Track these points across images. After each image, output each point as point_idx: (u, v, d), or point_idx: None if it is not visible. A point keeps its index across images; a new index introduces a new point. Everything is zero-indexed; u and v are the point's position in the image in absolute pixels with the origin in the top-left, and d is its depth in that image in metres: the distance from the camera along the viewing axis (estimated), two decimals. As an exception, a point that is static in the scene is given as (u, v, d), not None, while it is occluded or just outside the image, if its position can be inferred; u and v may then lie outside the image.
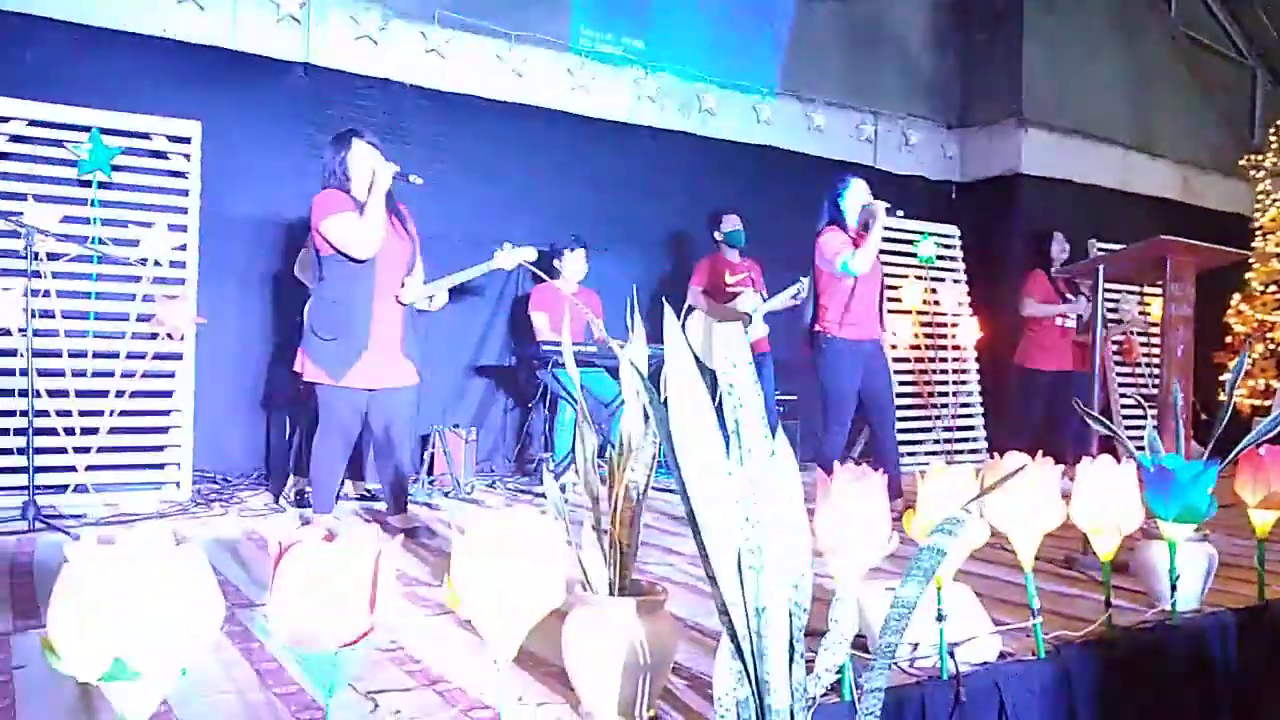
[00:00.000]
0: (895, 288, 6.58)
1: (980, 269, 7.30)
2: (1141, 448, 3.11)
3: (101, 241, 4.41)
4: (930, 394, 6.85)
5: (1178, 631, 2.43)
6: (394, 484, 3.75)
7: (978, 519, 1.91)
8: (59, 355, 4.27)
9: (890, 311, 5.33)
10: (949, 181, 7.94)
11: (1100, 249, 5.69)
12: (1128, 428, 5.89)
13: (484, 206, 5.52)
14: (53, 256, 4.29)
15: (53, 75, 4.50)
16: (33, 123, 4.34)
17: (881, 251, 4.68)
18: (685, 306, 5.45)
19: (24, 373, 3.89)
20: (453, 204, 5.24)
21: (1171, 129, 8.66)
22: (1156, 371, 3.97)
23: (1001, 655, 2.15)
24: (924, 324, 6.90)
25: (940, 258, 7.09)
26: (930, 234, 7.00)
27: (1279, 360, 7.60)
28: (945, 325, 7.01)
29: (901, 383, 6.48)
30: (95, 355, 4.37)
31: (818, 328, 4.43)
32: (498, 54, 5.82)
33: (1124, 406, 5.83)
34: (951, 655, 1.97)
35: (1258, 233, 7.85)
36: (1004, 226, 7.42)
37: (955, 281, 7.21)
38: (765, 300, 5.43)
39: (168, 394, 4.53)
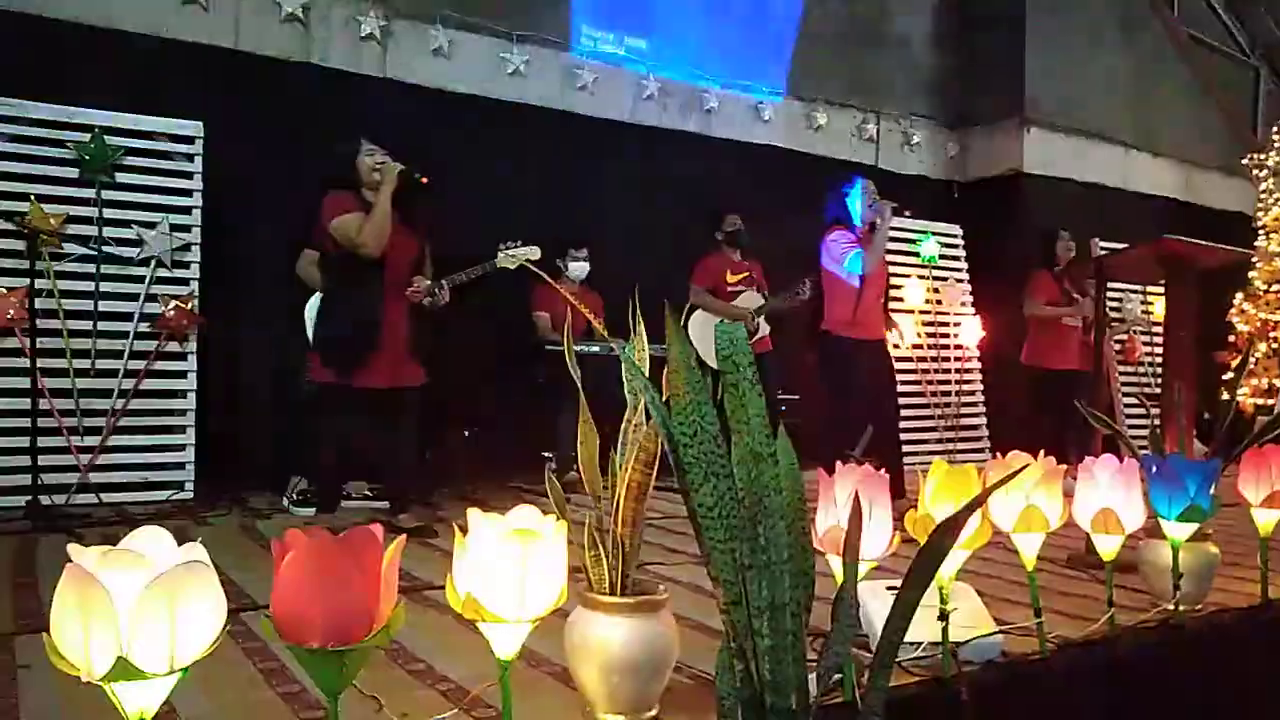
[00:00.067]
0: (898, 287, 6.57)
1: (982, 268, 7.29)
2: (1144, 447, 3.11)
3: (105, 242, 4.42)
4: (933, 393, 6.85)
5: (1180, 631, 2.43)
6: (397, 483, 3.76)
7: (980, 518, 1.91)
8: (63, 355, 4.27)
9: (893, 311, 5.34)
10: (951, 181, 7.93)
11: (1103, 248, 5.68)
12: (1130, 427, 5.90)
13: (486, 206, 5.51)
14: (56, 257, 4.30)
15: (56, 75, 4.51)
16: (36, 123, 4.35)
17: (885, 251, 4.68)
18: (687, 306, 5.45)
19: (28, 372, 3.90)
20: (454, 204, 5.23)
21: (1174, 128, 8.65)
22: (1159, 371, 3.97)
23: (1004, 655, 2.14)
24: (926, 323, 6.90)
25: (943, 257, 7.09)
26: (932, 233, 7.00)
27: (1282, 359, 7.59)
28: (948, 325, 7.00)
29: (904, 382, 6.47)
30: (99, 355, 4.38)
31: (823, 327, 4.43)
32: (500, 54, 5.82)
33: (1127, 406, 5.82)
34: (954, 655, 1.96)
35: (1260, 232, 7.83)
36: (1006, 226, 7.42)
37: (958, 281, 7.20)
38: (766, 300, 5.43)
39: (171, 394, 4.54)
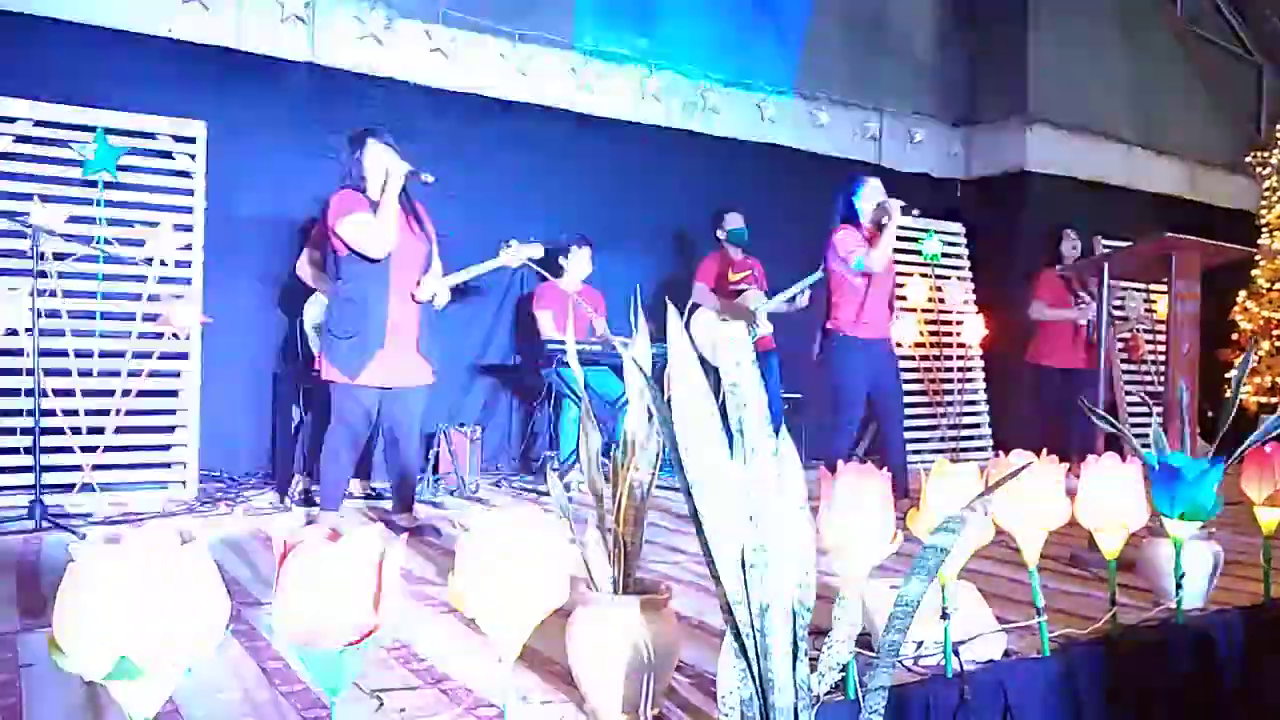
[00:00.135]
0: (900, 285, 6.57)
1: (986, 266, 7.29)
2: (1147, 445, 3.10)
3: (107, 241, 4.42)
4: (936, 392, 6.84)
5: (1183, 630, 2.43)
6: (400, 483, 3.77)
7: (982, 517, 1.90)
8: (65, 355, 4.28)
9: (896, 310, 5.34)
10: (954, 179, 7.92)
11: (1106, 246, 5.67)
12: (1133, 425, 5.89)
13: (488, 205, 5.52)
14: (59, 256, 4.30)
15: (58, 75, 4.52)
16: (38, 123, 4.36)
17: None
18: (689, 304, 5.45)
19: (30, 372, 3.90)
20: (457, 202, 5.24)
21: (1177, 126, 8.63)
22: (1162, 369, 3.96)
23: (1006, 653, 2.14)
24: (929, 322, 6.90)
25: (945, 255, 7.08)
26: (935, 231, 6.99)
27: (1285, 358, 7.57)
28: (950, 323, 7.00)
29: (907, 381, 6.47)
30: (101, 355, 4.38)
31: (829, 326, 4.43)
32: (502, 53, 5.82)
33: (1130, 404, 5.81)
34: (956, 653, 1.96)
35: (1264, 229, 7.82)
36: (1009, 224, 7.40)
37: (960, 279, 7.20)
38: (769, 299, 5.43)
39: (173, 393, 4.55)
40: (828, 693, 1.29)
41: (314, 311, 4.56)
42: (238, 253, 4.93)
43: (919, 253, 6.91)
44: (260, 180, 4.99)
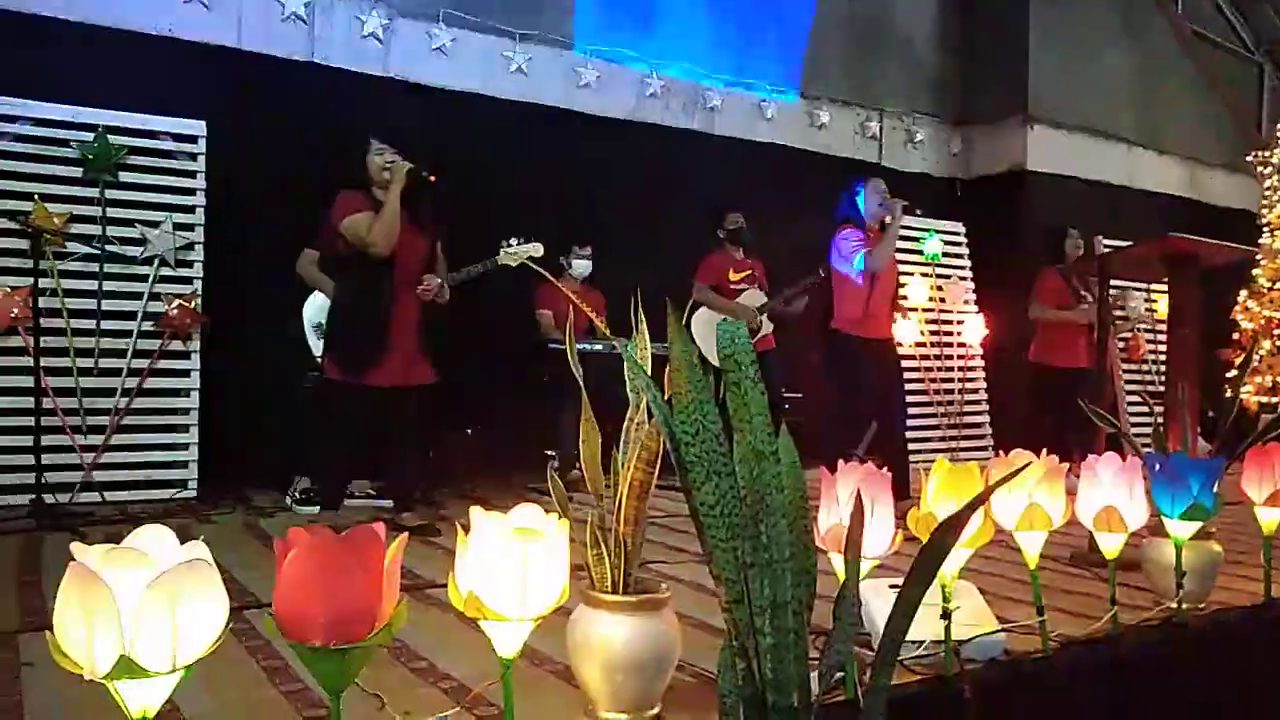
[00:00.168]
0: (901, 285, 6.57)
1: (986, 266, 7.28)
2: (1148, 445, 3.10)
3: (109, 241, 4.43)
4: (936, 391, 6.84)
5: (1183, 629, 2.43)
6: (401, 482, 3.77)
7: (983, 516, 1.90)
8: (67, 354, 4.28)
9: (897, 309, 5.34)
10: (954, 179, 7.92)
11: (1106, 246, 5.67)
12: (1134, 425, 5.89)
13: (488, 205, 5.51)
14: (60, 256, 4.31)
15: (59, 75, 4.52)
16: (40, 122, 4.36)
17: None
18: (689, 304, 5.45)
19: (32, 371, 3.91)
20: (457, 203, 5.23)
21: (1178, 125, 8.63)
22: (1163, 369, 3.96)
23: (1006, 653, 2.14)
24: (930, 321, 6.89)
25: (946, 255, 7.08)
26: (936, 231, 6.99)
27: (1286, 357, 7.57)
28: (951, 323, 7.00)
29: (907, 381, 6.47)
30: (102, 354, 4.39)
31: (833, 326, 4.42)
32: (503, 52, 5.82)
33: (1130, 404, 5.81)
34: (956, 653, 1.96)
35: (1265, 229, 7.81)
36: (1010, 224, 7.40)
37: (961, 279, 7.19)
38: (769, 299, 5.43)
39: (174, 392, 4.55)
40: (828, 693, 1.29)
41: (313, 311, 4.56)
42: (238, 252, 4.93)
43: (920, 252, 6.91)
44: (260, 180, 4.99)
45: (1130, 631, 2.35)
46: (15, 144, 4.32)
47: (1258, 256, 7.58)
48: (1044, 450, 2.15)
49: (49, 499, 3.79)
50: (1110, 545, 2.30)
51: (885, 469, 1.81)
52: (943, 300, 7.00)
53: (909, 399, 6.38)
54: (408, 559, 3.14)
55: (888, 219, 4.32)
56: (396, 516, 3.74)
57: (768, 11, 6.90)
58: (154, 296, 4.50)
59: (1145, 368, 6.99)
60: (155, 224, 4.52)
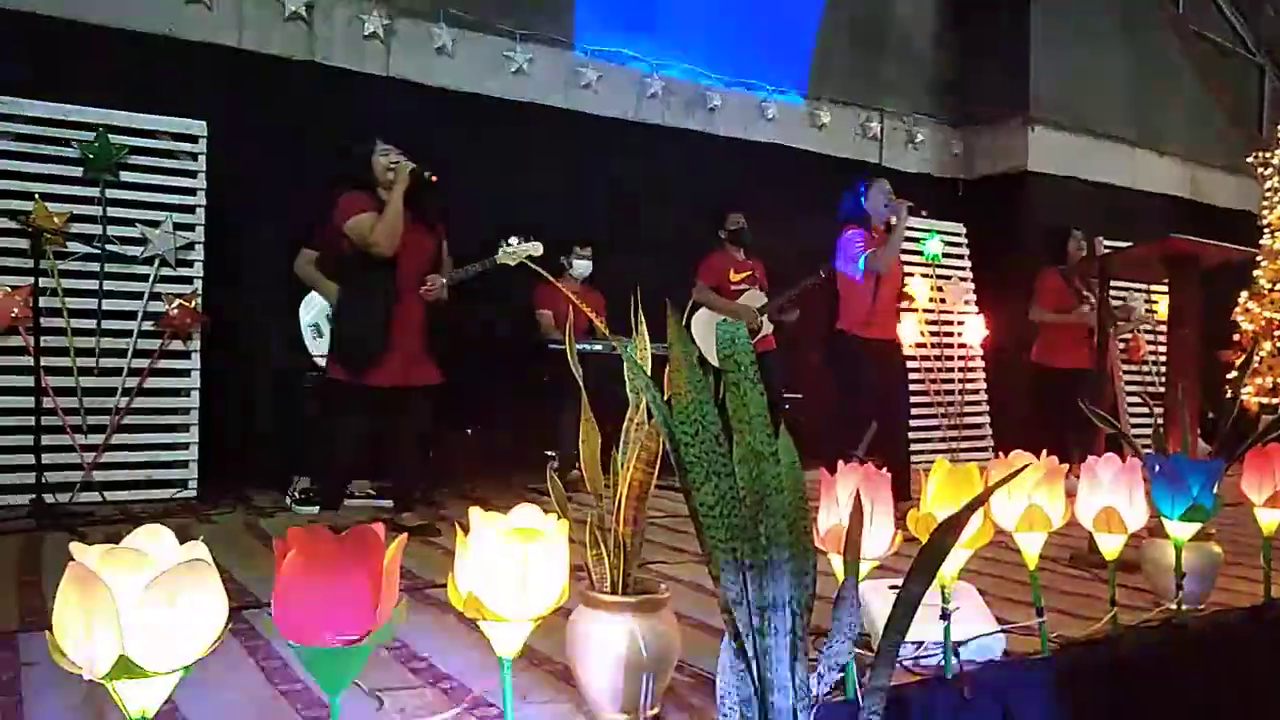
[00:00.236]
0: (902, 285, 6.57)
1: (986, 267, 7.28)
2: (1147, 446, 3.10)
3: (109, 240, 4.43)
4: (936, 392, 6.84)
5: (1183, 630, 2.43)
6: (401, 482, 3.77)
7: (982, 517, 1.90)
8: (67, 354, 4.29)
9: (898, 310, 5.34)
10: (955, 179, 7.92)
11: (1107, 247, 5.66)
12: (1134, 426, 5.88)
13: (488, 205, 5.51)
14: (60, 255, 4.31)
15: (60, 75, 4.52)
16: (40, 122, 4.36)
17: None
18: (689, 304, 5.45)
19: (32, 371, 3.91)
20: (458, 203, 5.24)
21: (1179, 126, 8.63)
22: (1163, 370, 3.96)
23: (1006, 654, 2.14)
24: (930, 322, 6.89)
25: (946, 255, 7.08)
26: (936, 232, 6.99)
27: (1287, 358, 7.56)
28: (951, 323, 7.00)
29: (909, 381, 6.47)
30: (103, 354, 4.39)
31: (838, 326, 4.42)
32: (503, 52, 5.82)
33: (1130, 405, 5.81)
34: (956, 654, 1.96)
35: (1265, 230, 7.80)
36: (1010, 224, 7.40)
37: (961, 280, 7.19)
38: (769, 299, 5.43)
39: (175, 392, 4.55)
40: (827, 693, 1.29)
41: (310, 311, 4.57)
42: (239, 252, 4.94)
43: (920, 253, 6.91)
44: (261, 179, 4.99)
45: (1130, 632, 2.35)
46: (16, 143, 4.32)
47: (1258, 257, 7.58)
48: (1044, 451, 2.15)
49: (49, 499, 3.79)
50: (1110, 546, 2.30)
51: (885, 470, 1.81)
52: (943, 301, 7.00)
53: (911, 400, 6.38)
54: (408, 559, 3.14)
55: (893, 220, 4.31)
56: (396, 516, 3.74)
57: (771, 12, 6.90)
58: (154, 296, 4.50)
59: (1145, 369, 6.98)
60: (155, 224, 4.52)
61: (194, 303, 4.58)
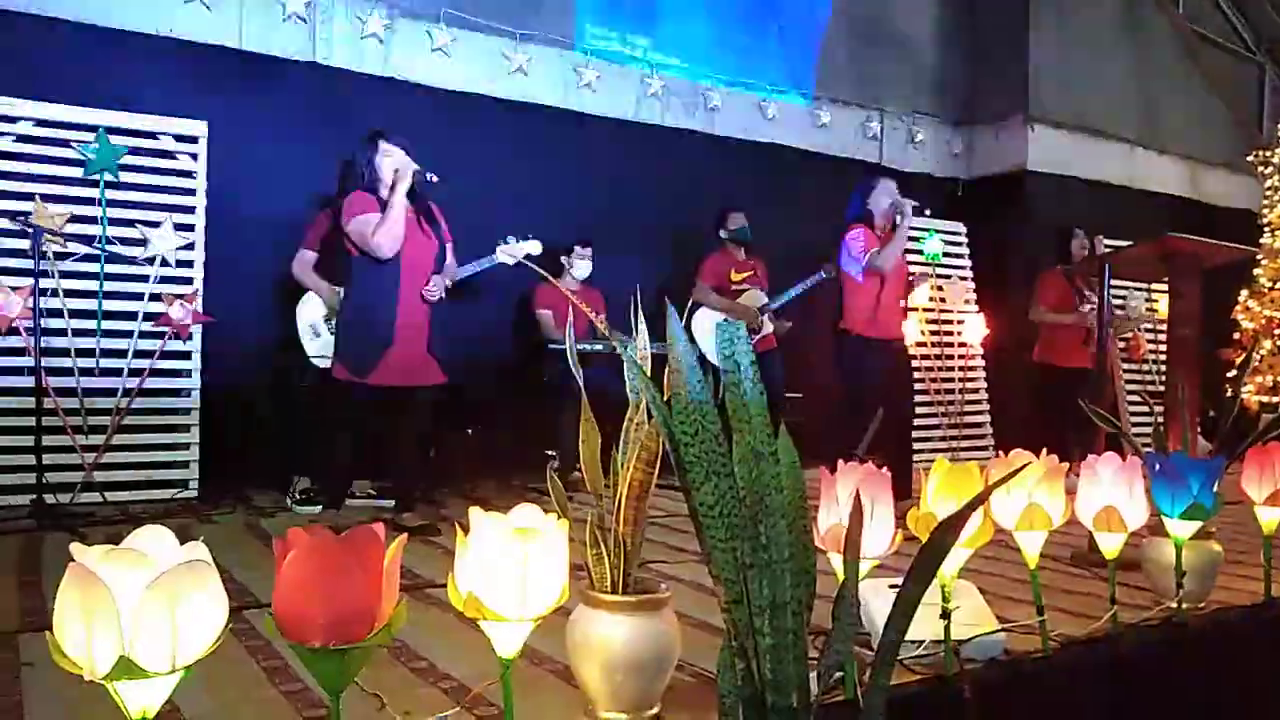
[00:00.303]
0: (907, 284, 6.56)
1: (987, 266, 7.28)
2: (1148, 444, 3.10)
3: (109, 241, 4.43)
4: (936, 391, 6.84)
5: (1183, 629, 2.43)
6: (402, 482, 3.78)
7: (982, 516, 1.90)
8: (67, 354, 4.29)
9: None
10: (955, 179, 7.91)
11: (1107, 246, 5.66)
12: (1134, 425, 5.89)
13: (488, 205, 5.51)
14: (60, 256, 4.31)
15: (60, 75, 4.52)
16: (40, 123, 4.36)
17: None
18: (689, 303, 5.45)
19: (33, 371, 3.91)
20: (457, 203, 5.25)
21: (1179, 125, 8.62)
22: (1163, 368, 3.96)
23: (1006, 653, 2.14)
24: (930, 321, 6.89)
25: (946, 255, 7.08)
26: (936, 231, 6.99)
27: (1287, 357, 7.56)
28: (951, 323, 7.00)
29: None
30: (103, 354, 4.39)
31: (843, 326, 4.42)
32: (503, 52, 5.82)
33: (1130, 403, 5.81)
34: (956, 653, 1.96)
35: (1265, 228, 7.80)
36: (1011, 224, 7.41)
37: (961, 279, 7.19)
38: (769, 299, 5.44)
39: (175, 393, 4.55)
40: (827, 693, 1.29)
41: (307, 312, 4.57)
42: (239, 252, 4.93)
43: (920, 252, 6.91)
44: (261, 180, 4.99)
45: (1130, 631, 2.35)
46: (16, 144, 4.32)
47: (1258, 256, 7.58)
48: (1044, 450, 2.15)
49: (50, 499, 3.79)
50: (1110, 545, 2.30)
51: (886, 469, 1.81)
52: (943, 300, 7.00)
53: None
54: (408, 559, 3.15)
55: (898, 219, 4.32)
56: (397, 516, 3.74)
57: (773, 12, 6.89)
58: (154, 297, 4.50)
59: (1146, 367, 6.98)
60: (155, 224, 4.52)
61: (194, 303, 4.58)
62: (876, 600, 2.07)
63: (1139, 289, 7.15)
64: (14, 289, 4.17)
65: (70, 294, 4.34)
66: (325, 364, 4.40)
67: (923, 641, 2.01)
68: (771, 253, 5.71)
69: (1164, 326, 4.06)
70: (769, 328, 5.47)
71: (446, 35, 5.62)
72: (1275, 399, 7.24)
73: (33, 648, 2.12)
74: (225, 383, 4.81)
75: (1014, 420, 6.74)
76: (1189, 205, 8.56)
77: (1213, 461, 2.43)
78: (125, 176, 4.51)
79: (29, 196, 4.26)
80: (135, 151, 4.56)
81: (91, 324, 4.37)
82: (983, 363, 7.11)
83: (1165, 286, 3.72)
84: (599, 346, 4.96)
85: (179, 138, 4.66)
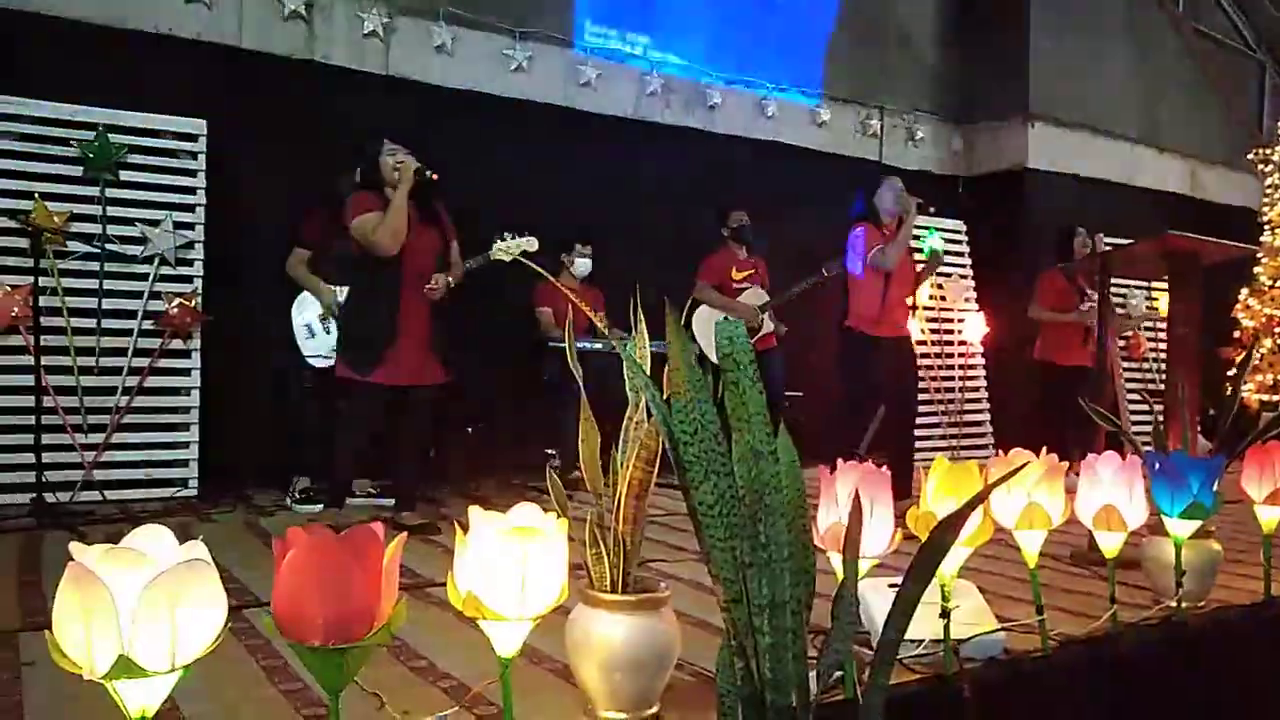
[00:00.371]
0: (913, 281, 6.55)
1: (987, 264, 7.28)
2: (1148, 443, 3.10)
3: (109, 239, 4.43)
4: (936, 389, 6.84)
5: (1183, 628, 2.43)
6: (403, 481, 3.78)
7: (982, 515, 1.90)
8: (67, 353, 4.29)
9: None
10: (955, 176, 7.91)
11: (1107, 244, 5.66)
12: (1134, 423, 5.88)
13: (488, 204, 5.51)
14: (60, 254, 4.31)
15: (60, 74, 4.52)
16: (40, 121, 4.36)
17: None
18: (689, 302, 5.45)
19: (32, 370, 3.91)
20: (457, 201, 5.25)
21: (1179, 123, 8.62)
22: (1164, 367, 3.96)
23: (1006, 652, 2.14)
24: (930, 319, 6.89)
25: (946, 253, 7.07)
26: (936, 229, 6.98)
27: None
28: (952, 321, 7.00)
29: (911, 379, 6.47)
30: (103, 353, 4.39)
31: (848, 324, 4.41)
32: (503, 50, 5.82)
33: (1130, 402, 5.81)
34: (956, 652, 1.96)
35: (1265, 227, 7.80)
36: (1011, 222, 7.40)
37: (961, 277, 7.19)
38: (770, 297, 5.44)
39: (175, 391, 4.55)
40: (826, 692, 1.29)
41: (303, 311, 4.57)
42: (238, 251, 4.93)
43: (920, 250, 6.91)
44: (261, 179, 4.99)
45: (1130, 630, 2.35)
46: (16, 142, 4.32)
47: (1258, 254, 7.58)
48: (1044, 449, 2.15)
49: (50, 498, 3.80)
50: (1110, 544, 2.30)
51: (887, 467, 1.81)
52: (943, 298, 7.00)
53: (912, 398, 6.38)
54: (408, 558, 3.15)
55: (904, 216, 4.32)
56: (397, 515, 3.74)
57: (775, 10, 6.88)
58: (154, 296, 4.50)
59: (1146, 366, 6.98)
60: (155, 223, 4.52)
61: (194, 302, 4.58)
62: (876, 599, 2.07)
63: (1139, 287, 7.15)
64: (14, 288, 4.17)
65: (70, 293, 4.34)
66: (321, 363, 4.40)
67: (922, 641, 2.01)
68: (772, 251, 5.71)
69: (1164, 325, 4.07)
70: (769, 326, 5.47)
71: (446, 33, 5.62)
72: (1276, 397, 7.24)
73: (33, 647, 2.12)
74: (225, 382, 4.81)
75: (1014, 419, 6.74)
76: (1189, 203, 8.56)
77: (1213, 460, 2.43)
78: (125, 175, 4.52)
79: (29, 195, 4.26)
80: (135, 150, 4.56)
81: (91, 323, 4.37)
82: (983, 361, 7.11)
83: (1165, 285, 3.72)
84: (599, 345, 4.96)
85: (179, 136, 4.66)
